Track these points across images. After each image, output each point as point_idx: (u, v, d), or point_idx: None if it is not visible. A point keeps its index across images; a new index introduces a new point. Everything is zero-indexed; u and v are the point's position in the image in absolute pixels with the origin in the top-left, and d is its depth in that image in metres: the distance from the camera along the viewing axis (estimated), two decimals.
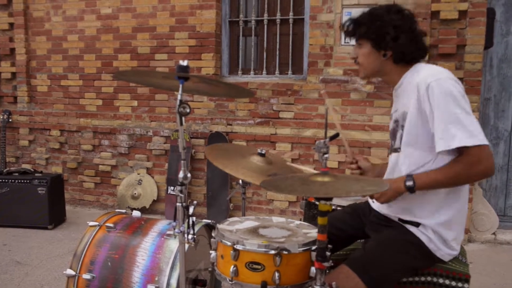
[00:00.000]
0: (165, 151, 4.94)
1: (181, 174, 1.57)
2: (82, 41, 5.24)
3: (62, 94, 5.38)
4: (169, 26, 4.89)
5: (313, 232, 1.85)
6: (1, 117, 5.39)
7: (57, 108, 5.41)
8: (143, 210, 4.91)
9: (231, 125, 4.70)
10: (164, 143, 4.94)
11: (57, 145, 5.40)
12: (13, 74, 5.55)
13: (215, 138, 4.68)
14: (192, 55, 4.80)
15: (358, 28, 1.93)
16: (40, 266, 3.64)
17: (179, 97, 1.53)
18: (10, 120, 5.45)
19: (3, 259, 3.76)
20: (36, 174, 4.61)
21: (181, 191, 1.55)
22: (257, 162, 2.36)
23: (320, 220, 1.55)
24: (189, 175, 1.57)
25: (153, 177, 4.99)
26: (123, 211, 2.53)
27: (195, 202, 1.61)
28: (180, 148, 1.55)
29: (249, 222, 2.01)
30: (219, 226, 1.90)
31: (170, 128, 4.91)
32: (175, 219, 1.57)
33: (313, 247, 1.70)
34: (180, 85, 1.55)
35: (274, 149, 4.55)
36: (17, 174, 4.60)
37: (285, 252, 1.66)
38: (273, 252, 1.65)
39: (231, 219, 2.03)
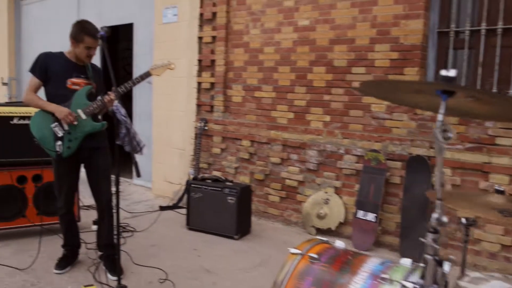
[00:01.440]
0: (356, 171, 4.59)
1: (435, 216, 1.20)
2: (277, 53, 5.23)
3: (255, 105, 5.43)
4: (369, 37, 4.55)
5: None
6: (199, 125, 5.69)
7: (249, 119, 5.48)
8: (328, 231, 4.64)
9: (434, 148, 4.15)
10: (356, 162, 4.59)
11: (246, 155, 5.47)
12: (212, 85, 5.81)
13: (415, 162, 4.17)
14: (393, 69, 4.39)
15: None
16: (226, 277, 3.60)
17: (440, 117, 1.17)
18: (206, 128, 5.71)
19: (193, 264, 3.83)
20: (227, 183, 4.67)
21: (435, 240, 1.18)
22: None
23: None
24: (445, 219, 1.19)
25: (341, 198, 4.68)
26: (325, 239, 2.27)
27: (452, 257, 1.23)
28: (436, 184, 1.19)
29: (497, 283, 1.55)
30: (460, 283, 1.49)
31: (363, 147, 4.54)
32: (423, 277, 1.21)
33: None
34: (443, 102, 1.19)
35: (487, 180, 3.87)
36: (210, 181, 4.74)
37: None
38: None
39: (472, 275, 1.59)
